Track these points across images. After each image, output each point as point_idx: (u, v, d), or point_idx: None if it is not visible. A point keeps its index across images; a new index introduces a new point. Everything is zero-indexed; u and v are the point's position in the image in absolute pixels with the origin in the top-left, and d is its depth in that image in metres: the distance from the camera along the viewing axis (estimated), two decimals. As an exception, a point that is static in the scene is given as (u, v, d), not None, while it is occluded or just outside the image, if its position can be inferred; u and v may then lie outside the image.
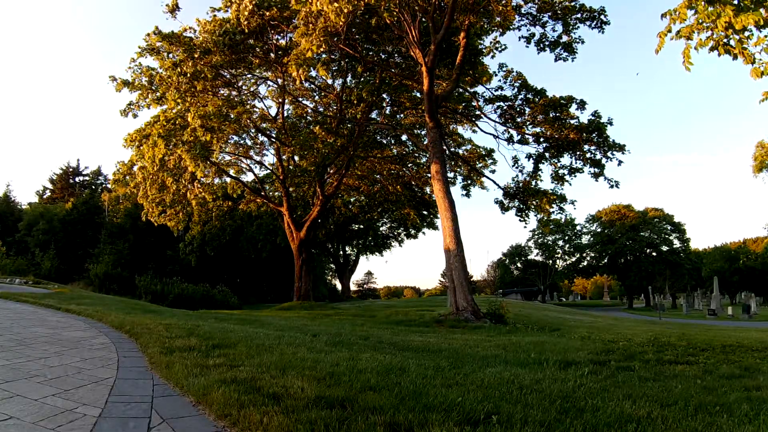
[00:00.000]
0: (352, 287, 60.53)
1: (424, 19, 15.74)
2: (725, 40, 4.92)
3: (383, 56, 19.82)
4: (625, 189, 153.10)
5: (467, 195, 23.88)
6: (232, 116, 17.76)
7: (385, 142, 25.83)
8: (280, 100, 22.67)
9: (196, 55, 16.36)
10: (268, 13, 16.25)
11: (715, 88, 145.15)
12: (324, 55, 14.34)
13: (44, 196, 49.69)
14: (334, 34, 11.99)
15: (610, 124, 17.98)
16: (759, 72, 4.78)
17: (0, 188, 46.35)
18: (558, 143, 18.47)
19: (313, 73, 18.99)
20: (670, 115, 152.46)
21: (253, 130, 23.45)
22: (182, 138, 16.59)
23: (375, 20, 13.12)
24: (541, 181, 19.94)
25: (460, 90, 19.63)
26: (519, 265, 69.86)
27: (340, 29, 12.01)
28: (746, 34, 4.81)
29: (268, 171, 27.68)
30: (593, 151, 18.27)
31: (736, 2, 4.71)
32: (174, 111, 18.71)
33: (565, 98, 18.17)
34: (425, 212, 32.99)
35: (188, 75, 16.15)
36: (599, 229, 59.98)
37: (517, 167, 20.24)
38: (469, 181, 23.95)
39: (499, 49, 18.04)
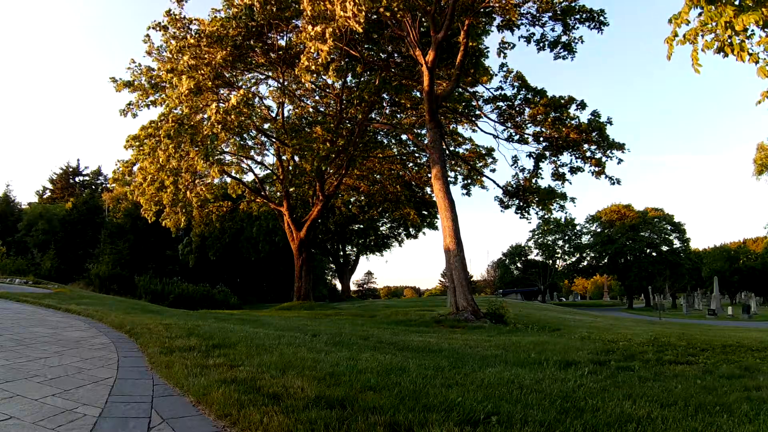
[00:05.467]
0: (352, 287, 60.55)
1: (424, 19, 15.73)
2: (729, 41, 4.90)
3: (383, 56, 19.82)
4: (625, 189, 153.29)
5: (467, 194, 23.97)
6: (246, 113, 17.71)
7: (385, 142, 25.83)
8: (281, 100, 22.67)
9: (203, 44, 16.32)
10: (279, 4, 16.21)
11: (716, 88, 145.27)
12: (335, 58, 14.29)
13: (44, 196, 49.68)
14: (341, 35, 11.92)
15: (610, 123, 18.03)
16: (766, 71, 4.76)
17: (0, 188, 46.23)
18: (558, 142, 18.48)
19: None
20: (671, 114, 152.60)
21: (253, 131, 23.44)
22: (194, 137, 16.50)
23: (386, 15, 12.97)
24: (541, 179, 20.02)
25: (460, 90, 19.64)
26: (519, 265, 69.82)
27: (345, 30, 11.92)
28: (748, 33, 4.80)
29: (269, 171, 27.71)
30: (593, 150, 18.31)
31: (737, 3, 4.69)
32: (178, 109, 18.64)
33: (565, 99, 18.18)
34: (425, 212, 33.00)
35: (195, 57, 16.04)
36: (599, 229, 59.95)
37: (517, 166, 20.32)
38: (469, 181, 23.98)
39: (509, 48, 18.00)
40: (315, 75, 12.78)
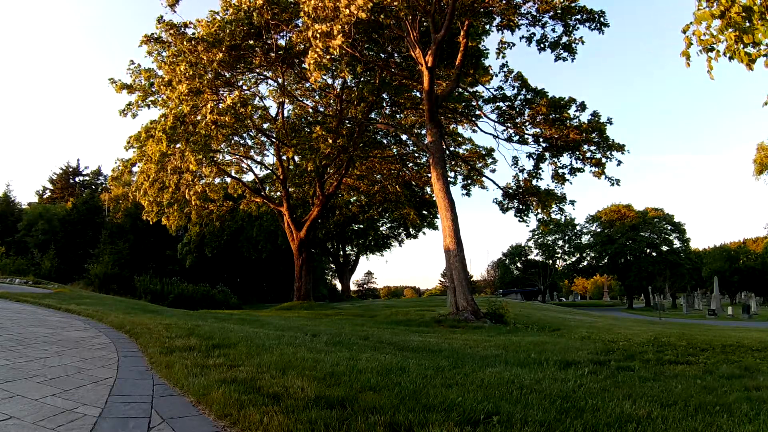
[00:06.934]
0: (352, 287, 60.54)
1: (424, 19, 15.73)
2: (737, 48, 5.01)
3: (383, 56, 19.82)
4: (625, 189, 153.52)
5: (467, 194, 23.95)
6: (241, 114, 17.73)
7: (385, 142, 25.83)
8: (280, 99, 22.67)
9: (200, 48, 16.32)
10: (276, 9, 16.27)
11: (716, 88, 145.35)
12: (335, 57, 14.22)
13: (44, 196, 49.68)
14: (346, 32, 11.87)
15: (610, 123, 18.05)
16: None
17: (0, 188, 46.18)
18: (558, 143, 18.48)
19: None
20: (671, 114, 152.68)
21: (253, 131, 23.45)
22: (190, 136, 16.50)
23: (383, 17, 12.92)
24: (541, 179, 19.99)
25: (460, 90, 19.64)
26: (519, 265, 69.81)
27: (349, 26, 11.86)
28: (759, 43, 4.91)
29: (269, 171, 27.71)
30: (593, 151, 18.31)
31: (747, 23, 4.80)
32: (179, 108, 18.67)
33: (565, 99, 18.18)
34: (425, 212, 33.01)
35: (191, 65, 16.01)
36: (599, 229, 59.94)
37: (517, 167, 20.28)
38: (469, 181, 23.98)
39: (509, 47, 17.98)
40: (325, 70, 12.68)
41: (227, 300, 25.71)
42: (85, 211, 39.13)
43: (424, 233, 39.39)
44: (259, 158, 26.77)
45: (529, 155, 19.67)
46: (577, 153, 18.62)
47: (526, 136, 19.41)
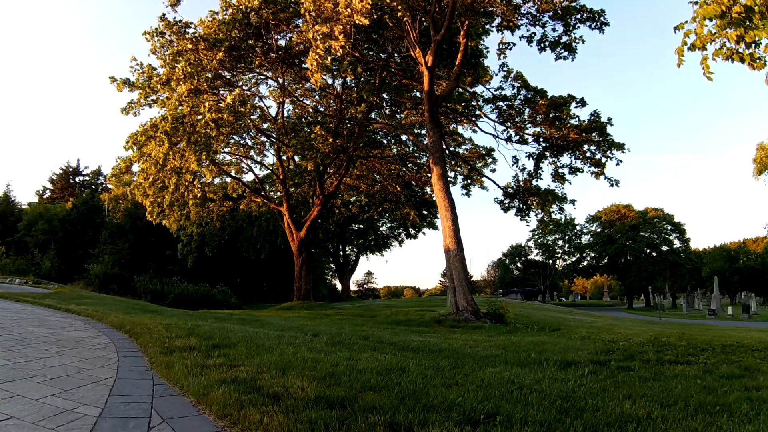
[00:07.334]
0: (352, 287, 60.52)
1: (424, 19, 15.73)
2: (738, 49, 4.99)
3: (383, 56, 19.82)
4: (625, 189, 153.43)
5: (467, 194, 23.95)
6: (241, 113, 17.73)
7: (385, 142, 25.83)
8: (280, 99, 22.68)
9: (201, 47, 16.31)
10: (276, 7, 16.29)
11: (716, 88, 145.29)
12: (336, 57, 14.19)
13: (44, 196, 49.66)
14: (348, 33, 11.85)
15: (610, 123, 18.01)
16: None
17: (0, 188, 46.14)
18: (558, 143, 18.47)
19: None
20: (671, 114, 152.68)
21: (253, 131, 23.46)
22: (191, 136, 16.51)
23: (386, 18, 12.95)
24: (540, 179, 19.99)
25: (460, 90, 19.64)
26: (519, 265, 69.80)
27: (349, 27, 11.85)
28: (761, 44, 4.91)
29: (269, 171, 27.71)
30: (593, 151, 18.29)
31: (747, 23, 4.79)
32: (179, 109, 18.69)
33: (565, 98, 18.17)
34: (425, 212, 33.00)
35: (191, 64, 15.99)
36: (599, 229, 59.91)
37: (517, 167, 20.28)
38: (469, 181, 23.97)
39: (509, 47, 18.00)
40: (327, 71, 12.71)
41: (227, 300, 25.69)
42: (85, 211, 39.10)
43: (424, 233, 39.47)
44: (259, 158, 26.79)
45: (529, 155, 19.67)
46: (577, 153, 18.61)
47: (526, 135, 19.40)
